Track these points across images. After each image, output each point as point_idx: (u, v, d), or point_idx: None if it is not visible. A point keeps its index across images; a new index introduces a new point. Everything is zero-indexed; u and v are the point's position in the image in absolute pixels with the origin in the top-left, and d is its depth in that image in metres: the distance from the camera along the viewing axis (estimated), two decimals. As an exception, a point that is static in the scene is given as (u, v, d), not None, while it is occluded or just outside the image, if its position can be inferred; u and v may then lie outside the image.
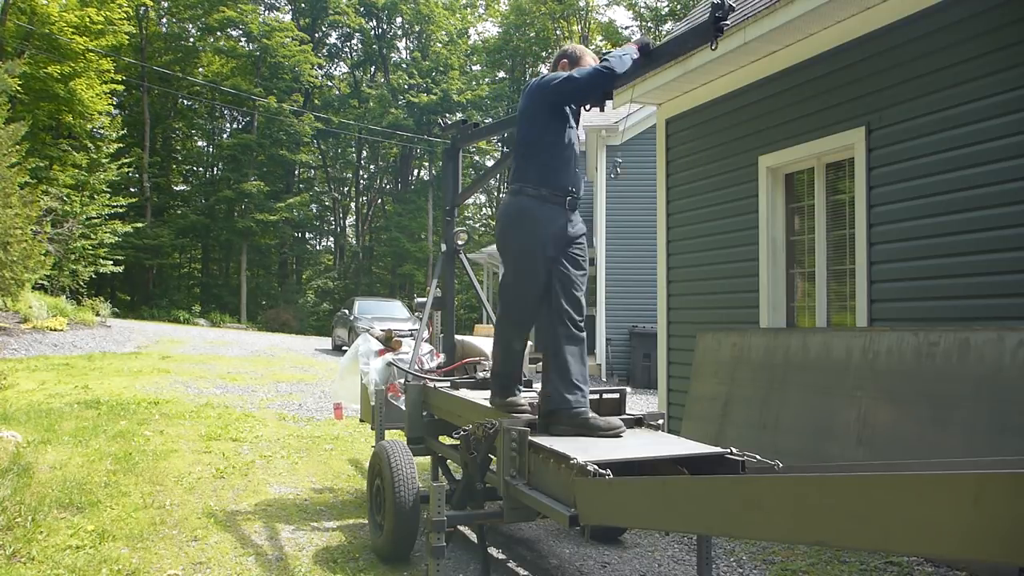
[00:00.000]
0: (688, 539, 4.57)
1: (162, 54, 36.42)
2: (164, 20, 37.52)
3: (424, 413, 4.65)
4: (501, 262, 3.58)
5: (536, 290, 3.48)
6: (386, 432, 4.80)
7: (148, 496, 5.07)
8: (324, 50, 42.13)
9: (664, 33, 29.91)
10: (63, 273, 19.19)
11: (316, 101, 39.50)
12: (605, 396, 3.63)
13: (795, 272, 5.78)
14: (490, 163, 39.28)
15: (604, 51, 3.66)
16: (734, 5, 4.27)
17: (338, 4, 38.77)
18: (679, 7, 32.63)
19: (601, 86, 3.41)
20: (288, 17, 40.01)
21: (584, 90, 3.44)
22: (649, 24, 35.65)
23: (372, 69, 43.04)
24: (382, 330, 5.49)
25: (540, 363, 3.67)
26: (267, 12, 39.11)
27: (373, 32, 41.87)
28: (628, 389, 3.69)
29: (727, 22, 3.19)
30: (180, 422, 7.61)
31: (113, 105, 30.34)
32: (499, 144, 37.94)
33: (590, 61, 3.62)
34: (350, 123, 37.45)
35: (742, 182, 6.07)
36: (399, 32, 42.97)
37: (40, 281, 17.16)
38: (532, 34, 39.33)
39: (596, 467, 2.62)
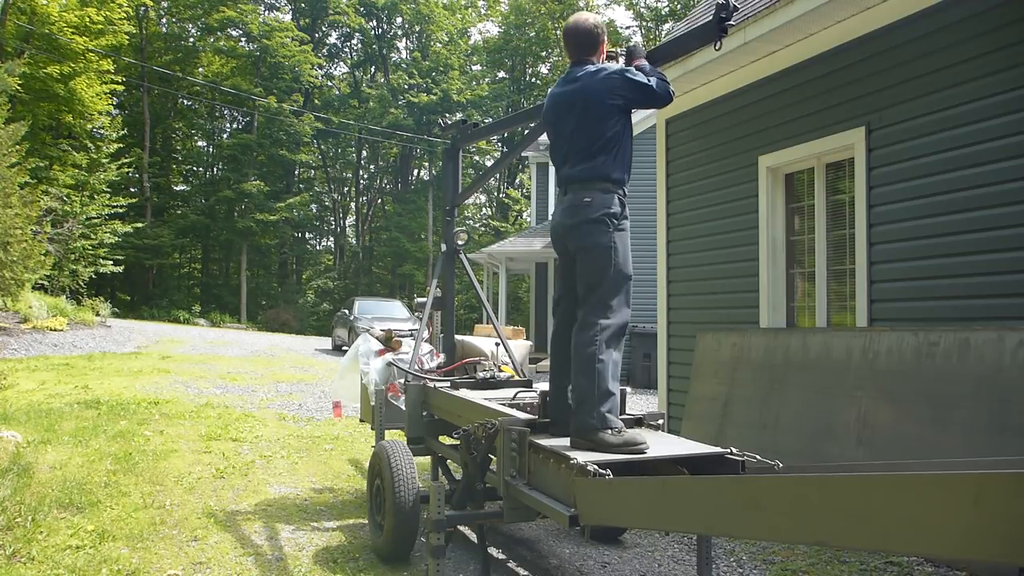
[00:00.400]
0: (688, 539, 4.57)
1: (162, 54, 36.41)
2: (164, 20, 37.54)
3: (424, 413, 4.65)
4: (588, 256, 3.18)
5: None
6: (386, 432, 4.81)
7: (148, 496, 5.07)
8: (324, 50, 42.12)
9: (664, 33, 29.89)
10: (63, 273, 19.19)
11: (316, 101, 39.51)
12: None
13: (795, 272, 5.78)
14: (490, 163, 39.28)
15: (638, 66, 3.36)
16: (738, 5, 4.27)
17: (338, 4, 38.77)
18: (679, 7, 32.62)
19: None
20: (288, 17, 40.03)
21: (655, 105, 3.30)
22: (649, 24, 35.62)
23: (372, 69, 43.03)
24: (382, 330, 5.49)
25: (539, 363, 3.65)
26: (267, 12, 39.13)
27: (373, 32, 41.87)
28: (628, 389, 3.67)
29: (731, 23, 3.18)
30: (180, 422, 7.61)
31: (113, 105, 30.38)
32: (499, 144, 37.97)
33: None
34: (350, 123, 37.45)
35: (742, 182, 6.07)
36: (399, 32, 42.99)
37: (40, 281, 17.17)
38: (532, 34, 39.32)
39: (596, 467, 2.62)
